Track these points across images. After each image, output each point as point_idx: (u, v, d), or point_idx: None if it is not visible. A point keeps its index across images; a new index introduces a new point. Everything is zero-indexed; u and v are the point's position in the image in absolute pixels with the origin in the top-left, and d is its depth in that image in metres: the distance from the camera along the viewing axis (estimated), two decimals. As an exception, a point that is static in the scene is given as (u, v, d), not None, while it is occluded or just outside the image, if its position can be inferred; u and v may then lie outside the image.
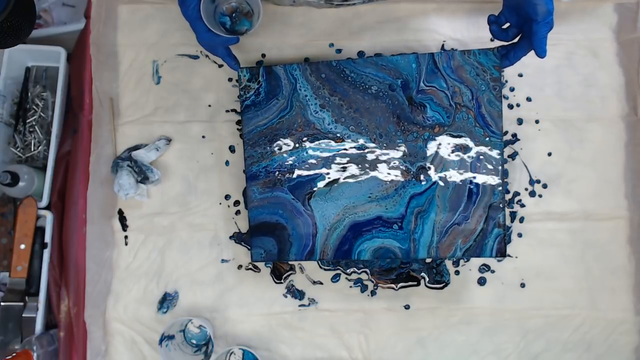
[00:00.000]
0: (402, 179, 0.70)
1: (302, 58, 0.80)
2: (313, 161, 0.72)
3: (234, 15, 0.76)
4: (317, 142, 0.72)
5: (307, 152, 0.72)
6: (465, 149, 0.69)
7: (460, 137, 0.69)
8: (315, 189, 0.72)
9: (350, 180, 0.71)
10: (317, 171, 0.72)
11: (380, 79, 0.71)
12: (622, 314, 0.76)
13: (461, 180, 0.69)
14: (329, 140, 0.71)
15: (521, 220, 0.77)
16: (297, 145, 0.72)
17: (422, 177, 0.70)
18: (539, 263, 0.76)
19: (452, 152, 0.69)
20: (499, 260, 0.77)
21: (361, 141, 0.71)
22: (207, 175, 0.80)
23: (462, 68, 0.69)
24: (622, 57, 0.79)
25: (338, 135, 0.71)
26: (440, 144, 0.70)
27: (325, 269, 0.78)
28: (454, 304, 0.76)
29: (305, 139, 0.72)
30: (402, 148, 0.70)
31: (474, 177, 0.69)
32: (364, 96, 0.71)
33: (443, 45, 0.80)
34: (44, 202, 0.78)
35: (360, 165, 0.71)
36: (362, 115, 0.71)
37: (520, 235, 0.77)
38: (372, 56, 0.77)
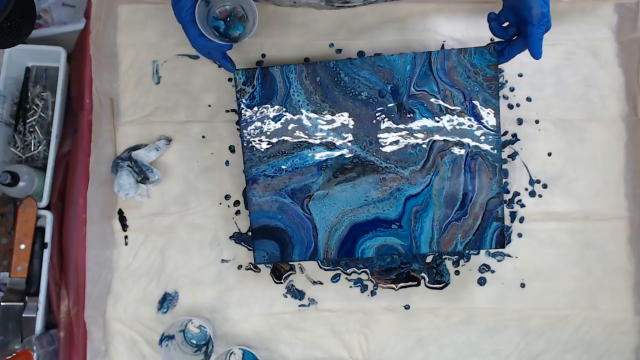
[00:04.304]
0: (396, 183, 0.71)
1: (302, 58, 0.80)
2: (308, 166, 0.72)
3: (228, 19, 0.75)
4: (311, 148, 0.72)
5: (302, 157, 0.72)
6: (458, 150, 0.70)
7: (452, 139, 0.70)
8: (312, 193, 0.72)
9: (346, 184, 0.71)
10: (312, 175, 0.72)
11: (371, 84, 0.71)
12: (622, 314, 0.76)
13: (456, 179, 0.70)
14: (322, 146, 0.72)
15: (521, 220, 0.77)
16: (292, 150, 0.72)
17: (415, 179, 0.70)
18: (539, 263, 0.76)
19: (445, 154, 0.70)
20: (499, 260, 0.77)
21: (352, 147, 0.71)
22: (207, 175, 0.80)
23: (454, 70, 0.69)
24: (622, 57, 0.79)
25: (330, 141, 0.72)
26: (432, 148, 0.70)
27: (325, 269, 0.78)
28: (454, 304, 0.76)
29: (300, 144, 0.72)
30: (393, 154, 0.71)
31: (470, 175, 0.70)
32: (354, 102, 0.71)
33: (443, 45, 0.80)
34: (44, 202, 0.78)
35: (353, 170, 0.71)
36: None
37: (520, 235, 0.77)
38: (370, 56, 0.78)
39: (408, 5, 0.80)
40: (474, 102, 0.69)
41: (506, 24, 0.65)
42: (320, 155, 0.72)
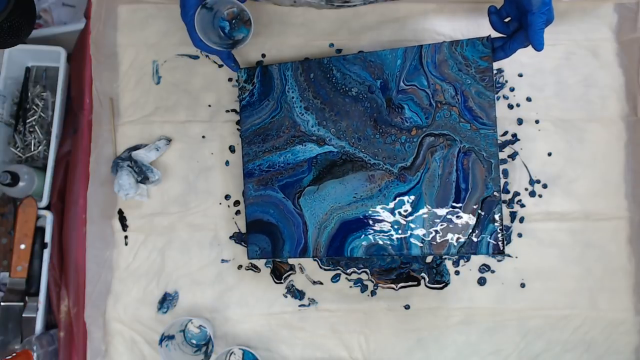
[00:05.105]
0: (385, 180, 0.70)
1: (302, 58, 0.80)
2: (299, 161, 0.73)
3: (233, 21, 0.76)
4: (303, 144, 0.72)
5: (294, 153, 0.73)
6: (449, 146, 0.68)
7: (442, 135, 0.68)
8: (302, 188, 0.72)
9: (335, 181, 0.71)
10: (303, 171, 0.72)
11: (361, 79, 0.71)
12: (622, 314, 0.76)
13: (447, 177, 0.68)
14: (313, 142, 0.72)
15: (521, 220, 0.77)
16: (285, 145, 0.73)
17: (405, 177, 0.69)
18: (539, 263, 0.76)
19: (436, 150, 0.69)
20: (499, 260, 0.77)
21: (342, 144, 0.71)
22: (207, 175, 0.80)
23: (445, 63, 0.68)
24: (622, 57, 0.79)
25: (321, 137, 0.72)
26: (422, 144, 0.69)
27: (325, 269, 0.78)
28: (454, 304, 0.76)
29: (292, 139, 0.73)
30: (382, 151, 0.70)
31: (462, 172, 0.68)
32: (344, 99, 0.71)
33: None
34: (44, 202, 0.78)
35: (342, 167, 0.71)
36: (341, 118, 0.71)
37: (520, 235, 0.77)
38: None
39: (408, 5, 0.80)
40: (465, 95, 0.68)
41: (508, 19, 0.65)
42: (311, 151, 0.72)
